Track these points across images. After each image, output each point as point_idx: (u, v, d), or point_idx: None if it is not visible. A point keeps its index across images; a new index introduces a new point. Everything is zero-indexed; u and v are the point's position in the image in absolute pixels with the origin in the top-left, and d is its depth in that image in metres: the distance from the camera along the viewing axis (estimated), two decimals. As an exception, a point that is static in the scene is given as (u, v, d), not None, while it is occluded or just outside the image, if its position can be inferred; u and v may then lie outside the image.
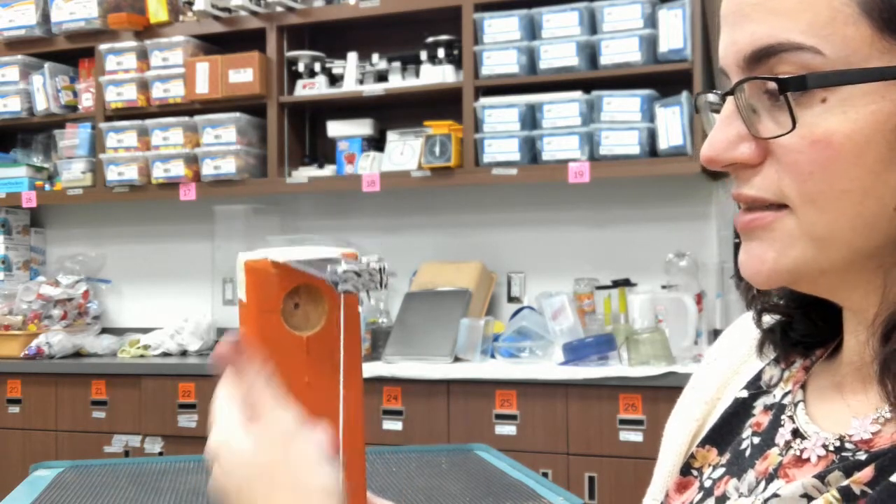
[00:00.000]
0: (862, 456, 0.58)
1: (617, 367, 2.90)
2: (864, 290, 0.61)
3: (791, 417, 0.65)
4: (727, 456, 0.69)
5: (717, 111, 0.63)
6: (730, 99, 0.61)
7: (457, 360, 3.10)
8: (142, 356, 3.64)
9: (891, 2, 0.56)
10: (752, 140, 0.60)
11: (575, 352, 2.97)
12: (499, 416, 2.94)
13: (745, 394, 0.73)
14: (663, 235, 3.28)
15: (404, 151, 3.41)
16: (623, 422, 2.83)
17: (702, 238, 3.27)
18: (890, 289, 0.59)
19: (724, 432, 0.72)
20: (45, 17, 3.90)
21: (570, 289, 3.32)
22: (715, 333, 3.03)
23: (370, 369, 3.08)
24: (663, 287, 3.15)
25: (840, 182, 0.57)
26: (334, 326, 0.78)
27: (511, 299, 3.52)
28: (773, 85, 0.58)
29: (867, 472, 0.56)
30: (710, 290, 3.18)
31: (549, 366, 3.00)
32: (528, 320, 3.18)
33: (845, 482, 0.57)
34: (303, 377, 0.77)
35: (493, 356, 3.15)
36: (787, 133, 0.58)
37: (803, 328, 0.70)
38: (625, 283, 3.23)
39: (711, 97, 0.66)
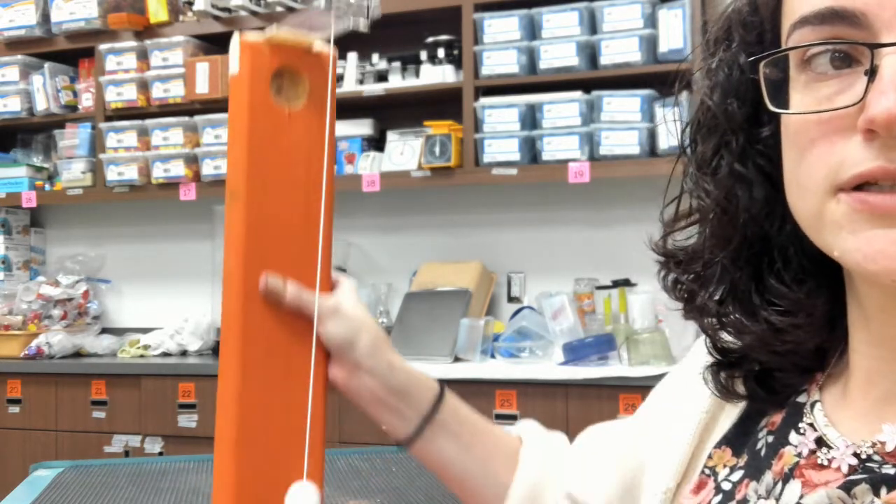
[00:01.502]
0: (891, 470, 0.56)
1: (617, 367, 2.90)
2: None
3: (812, 425, 0.63)
4: (745, 458, 0.67)
5: (840, 67, 0.56)
6: None
7: (457, 360, 3.10)
8: (142, 356, 3.64)
9: None
10: None
11: (575, 352, 2.97)
12: (499, 416, 2.94)
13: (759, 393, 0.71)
14: (663, 235, 3.27)
15: (404, 151, 3.41)
16: (623, 422, 2.82)
17: (702, 238, 3.27)
18: None
19: (739, 433, 0.70)
20: (45, 17, 3.90)
21: (570, 289, 3.32)
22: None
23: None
24: (663, 287, 3.15)
25: None
26: (313, 104, 0.91)
27: (511, 299, 3.52)
28: None
29: None
30: None
31: (549, 366, 3.00)
32: (528, 320, 3.18)
33: (878, 501, 0.54)
34: (283, 144, 0.88)
35: (493, 356, 3.15)
36: None
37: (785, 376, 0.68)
38: (625, 283, 3.23)
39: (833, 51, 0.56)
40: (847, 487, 0.56)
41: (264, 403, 0.84)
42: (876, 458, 0.57)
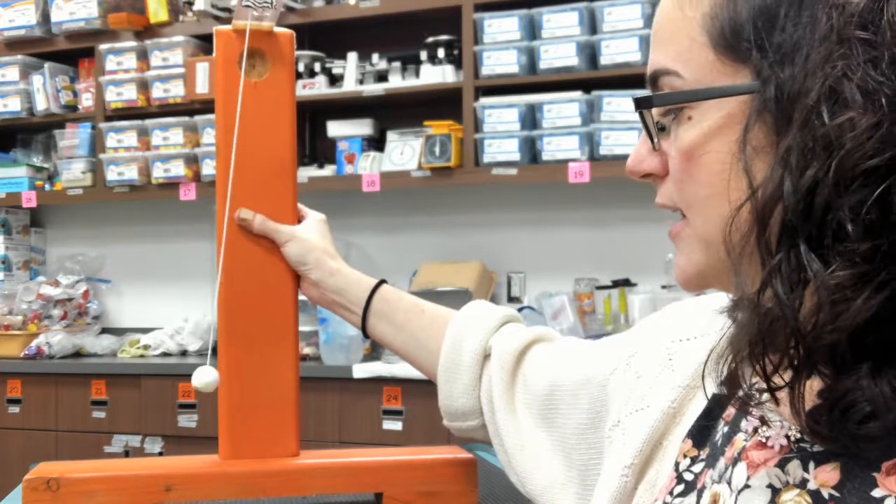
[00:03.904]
0: (819, 449, 0.61)
1: (617, 367, 2.89)
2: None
3: (759, 404, 0.67)
4: (707, 450, 0.72)
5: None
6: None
7: (457, 360, 3.10)
8: (142, 356, 3.64)
9: (724, 35, 0.63)
10: (658, 154, 0.69)
11: (575, 352, 2.97)
12: (499, 416, 2.94)
13: (723, 390, 0.74)
14: (663, 235, 3.24)
15: (404, 151, 3.41)
16: (623, 422, 2.82)
17: (702, 238, 3.26)
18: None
19: (701, 427, 0.75)
20: (45, 17, 3.90)
21: (570, 289, 3.32)
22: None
23: (370, 369, 3.08)
24: (663, 287, 3.15)
25: (702, 188, 0.65)
26: (275, 77, 1.14)
27: (511, 299, 3.52)
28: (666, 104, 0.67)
29: (832, 475, 0.59)
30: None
31: (549, 366, 2.99)
32: (528, 320, 3.17)
33: (809, 478, 0.60)
34: (251, 108, 1.12)
35: (493, 356, 3.14)
36: (656, 146, 0.68)
37: None
38: (625, 283, 3.23)
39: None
40: (781, 465, 0.62)
41: (245, 304, 1.15)
42: (807, 439, 0.62)
